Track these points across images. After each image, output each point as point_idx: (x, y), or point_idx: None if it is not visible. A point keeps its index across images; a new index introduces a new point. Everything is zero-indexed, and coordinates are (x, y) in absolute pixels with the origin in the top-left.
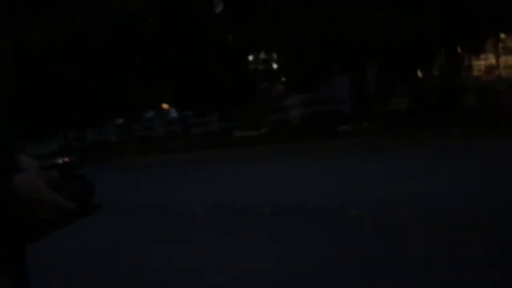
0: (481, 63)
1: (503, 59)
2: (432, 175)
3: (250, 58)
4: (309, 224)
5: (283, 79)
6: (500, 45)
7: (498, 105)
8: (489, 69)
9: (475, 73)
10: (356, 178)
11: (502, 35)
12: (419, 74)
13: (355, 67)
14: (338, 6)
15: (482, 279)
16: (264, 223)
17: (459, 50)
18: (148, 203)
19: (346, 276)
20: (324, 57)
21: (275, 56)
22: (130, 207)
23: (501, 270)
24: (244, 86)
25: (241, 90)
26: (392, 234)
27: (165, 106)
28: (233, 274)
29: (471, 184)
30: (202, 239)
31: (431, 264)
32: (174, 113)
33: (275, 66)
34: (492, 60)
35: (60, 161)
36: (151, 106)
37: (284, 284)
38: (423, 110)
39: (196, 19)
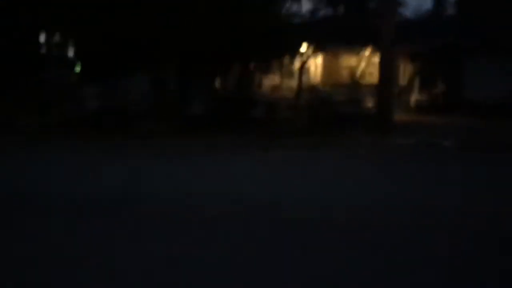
0: (269, 82)
1: (285, 81)
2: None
3: (42, 39)
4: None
5: (79, 68)
6: (283, 68)
7: (280, 118)
8: (275, 88)
9: (264, 89)
10: (150, 176)
11: (285, 60)
12: (217, 84)
13: (156, 68)
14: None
15: None
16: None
17: (251, 68)
18: None
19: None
20: (124, 52)
21: (71, 41)
22: None
23: None
24: (33, 68)
25: (27, 72)
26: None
27: None
28: None
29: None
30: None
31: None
32: None
33: (71, 53)
34: (277, 80)
35: None
36: None
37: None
38: (217, 117)
39: None
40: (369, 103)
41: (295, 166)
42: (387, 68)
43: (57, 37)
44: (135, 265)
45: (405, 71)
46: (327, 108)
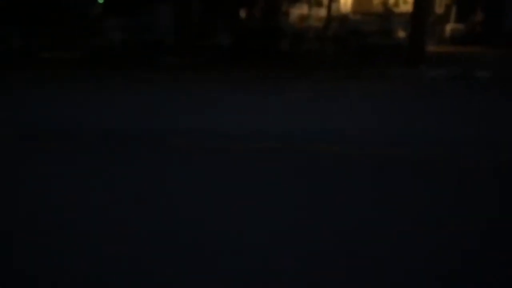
0: (296, 11)
1: (314, 10)
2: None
3: None
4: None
5: None
6: None
7: (307, 50)
8: (302, 17)
9: (291, 19)
10: (171, 108)
11: None
12: (242, 14)
13: None
14: None
15: None
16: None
17: None
18: None
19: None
20: None
21: None
22: None
23: None
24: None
25: (51, 4)
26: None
27: None
28: None
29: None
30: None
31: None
32: None
33: None
34: (305, 9)
35: None
36: None
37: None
38: (242, 49)
39: None
40: (401, 33)
41: (320, 101)
42: None
43: None
44: None
45: None
46: (356, 39)
